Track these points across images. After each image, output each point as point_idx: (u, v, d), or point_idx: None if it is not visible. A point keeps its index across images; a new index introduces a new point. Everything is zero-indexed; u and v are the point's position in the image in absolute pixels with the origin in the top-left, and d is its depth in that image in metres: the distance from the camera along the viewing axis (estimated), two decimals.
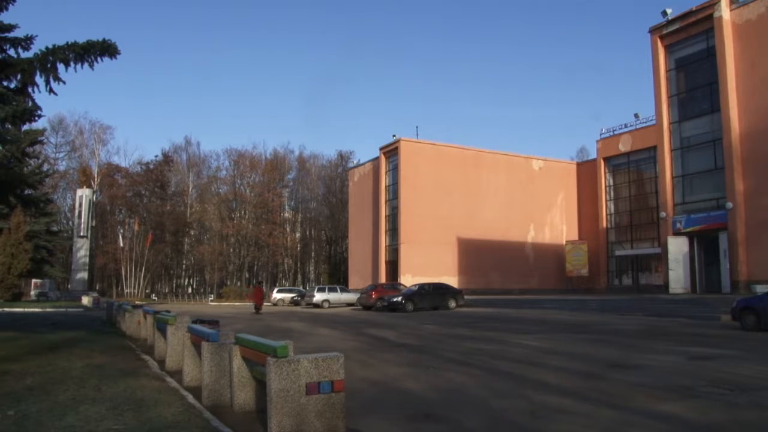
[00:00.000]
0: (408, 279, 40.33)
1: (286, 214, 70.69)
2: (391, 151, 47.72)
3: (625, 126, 44.59)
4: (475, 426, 5.21)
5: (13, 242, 32.12)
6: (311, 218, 71.47)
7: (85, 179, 53.79)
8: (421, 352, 10.73)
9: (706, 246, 31.26)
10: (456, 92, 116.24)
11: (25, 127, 23.78)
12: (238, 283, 60.45)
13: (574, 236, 50.66)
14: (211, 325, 8.99)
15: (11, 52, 11.79)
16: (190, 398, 6.09)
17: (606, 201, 46.17)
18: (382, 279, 44.80)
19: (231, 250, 64.10)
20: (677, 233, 31.60)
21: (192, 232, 65.88)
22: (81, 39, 11.28)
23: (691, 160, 32.13)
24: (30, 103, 11.97)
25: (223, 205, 65.30)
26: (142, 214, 61.04)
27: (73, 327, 15.82)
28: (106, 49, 10.60)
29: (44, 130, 46.49)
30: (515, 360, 9.32)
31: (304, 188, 71.09)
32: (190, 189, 66.31)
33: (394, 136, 47.58)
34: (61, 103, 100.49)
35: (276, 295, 41.55)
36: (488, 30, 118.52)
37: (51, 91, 10.72)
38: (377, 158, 50.15)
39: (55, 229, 47.08)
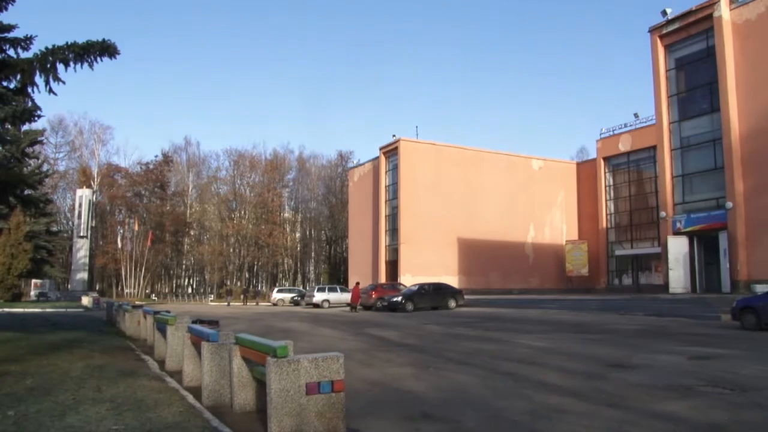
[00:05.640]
0: (408, 279, 40.31)
1: (286, 214, 70.74)
2: (391, 151, 47.71)
3: (625, 126, 44.61)
4: (475, 426, 5.20)
5: (13, 242, 32.11)
6: (311, 218, 71.49)
7: (85, 179, 53.81)
8: (421, 351, 10.72)
9: (706, 246, 31.26)
10: (456, 92, 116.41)
11: (25, 127, 23.90)
12: (238, 283, 60.46)
13: (574, 236, 50.66)
14: (211, 325, 8.99)
15: (11, 52, 11.78)
16: (190, 398, 6.08)
17: (606, 201, 46.19)
18: (382, 279, 44.80)
19: (231, 250, 64.15)
20: (677, 233, 31.60)
21: (192, 232, 65.91)
22: (81, 39, 11.27)
23: (691, 160, 32.13)
24: (30, 103, 11.97)
25: (223, 205, 65.37)
26: (142, 214, 61.07)
27: (73, 327, 15.80)
28: (105, 49, 10.58)
29: (44, 130, 46.58)
30: (515, 360, 9.32)
31: (304, 188, 71.13)
32: (190, 189, 66.33)
33: (393, 136, 47.63)
34: (61, 103, 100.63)
35: (276, 295, 41.59)
36: (488, 30, 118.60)
37: (51, 91, 10.69)
38: (377, 158, 50.14)
39: (55, 229, 47.05)
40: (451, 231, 45.51)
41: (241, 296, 46.48)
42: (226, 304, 42.81)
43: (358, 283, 32.16)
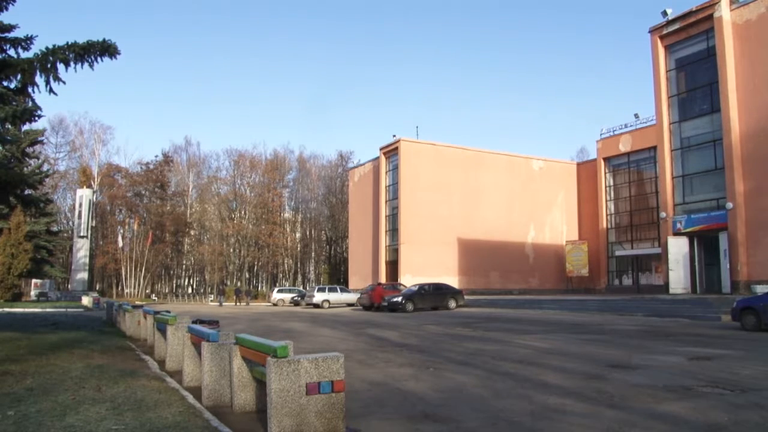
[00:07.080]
0: (408, 279, 40.31)
1: (286, 215, 70.68)
2: (392, 151, 47.72)
3: (625, 126, 44.59)
4: (475, 426, 5.20)
5: (13, 242, 32.10)
6: (311, 218, 71.45)
7: (85, 179, 53.74)
8: (421, 352, 10.72)
9: (706, 246, 31.24)
10: (456, 92, 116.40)
11: (25, 127, 23.84)
12: (238, 283, 60.47)
13: (574, 236, 50.65)
14: (211, 325, 8.99)
15: (11, 52, 11.78)
16: (191, 398, 6.08)
17: (606, 201, 46.16)
18: (382, 279, 44.79)
19: (231, 250, 64.11)
20: (677, 233, 31.58)
21: (192, 232, 65.87)
22: (81, 39, 11.27)
23: (692, 161, 32.11)
24: (30, 103, 11.96)
25: (223, 205, 65.31)
26: (142, 214, 61.04)
27: (73, 327, 15.80)
28: (106, 49, 10.58)
29: (44, 130, 46.59)
30: (515, 360, 9.32)
31: (305, 188, 71.06)
32: (190, 189, 66.31)
33: (394, 136, 47.62)
34: (61, 103, 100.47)
35: (276, 296, 41.60)
36: (488, 30, 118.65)
37: (51, 91, 10.69)
38: (377, 158, 50.14)
39: (55, 229, 47.06)
40: (451, 231, 45.52)
41: (234, 296, 46.40)
42: (217, 304, 42.75)
43: (379, 284, 32.86)
